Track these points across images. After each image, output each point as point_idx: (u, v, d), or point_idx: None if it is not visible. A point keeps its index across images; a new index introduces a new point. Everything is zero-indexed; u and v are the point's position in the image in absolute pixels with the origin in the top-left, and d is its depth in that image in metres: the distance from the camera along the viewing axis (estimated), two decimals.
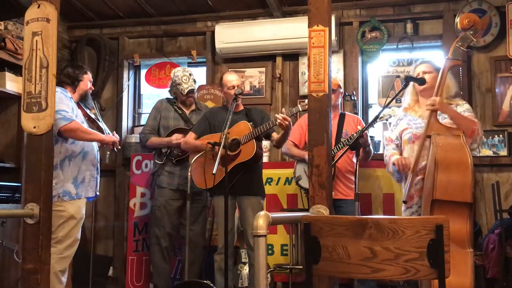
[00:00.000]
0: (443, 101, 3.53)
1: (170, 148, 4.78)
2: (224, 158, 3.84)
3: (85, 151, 4.07)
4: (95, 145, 4.19)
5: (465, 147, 3.25)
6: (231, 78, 4.47)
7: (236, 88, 4.34)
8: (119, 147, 4.41)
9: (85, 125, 4.13)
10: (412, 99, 3.84)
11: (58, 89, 3.35)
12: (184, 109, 4.94)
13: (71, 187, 3.95)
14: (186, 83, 4.82)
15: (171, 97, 5.03)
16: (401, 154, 3.76)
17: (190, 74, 4.87)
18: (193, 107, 4.98)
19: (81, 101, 4.27)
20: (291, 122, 4.05)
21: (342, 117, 4.70)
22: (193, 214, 4.69)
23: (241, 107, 4.48)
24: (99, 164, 4.22)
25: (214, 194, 4.32)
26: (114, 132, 4.63)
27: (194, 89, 4.89)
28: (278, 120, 3.98)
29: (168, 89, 5.07)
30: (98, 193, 4.21)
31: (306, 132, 4.54)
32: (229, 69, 5.89)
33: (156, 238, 4.80)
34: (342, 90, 4.77)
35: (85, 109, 4.29)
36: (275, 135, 4.32)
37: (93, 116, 4.34)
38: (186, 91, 4.81)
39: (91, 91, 4.39)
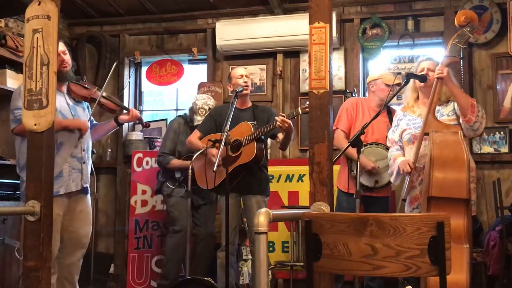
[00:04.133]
0: (449, 77, 3.53)
1: (183, 174, 4.75)
2: (225, 157, 3.82)
3: (59, 142, 3.62)
4: (74, 133, 3.73)
5: (462, 143, 3.24)
6: (239, 69, 4.44)
7: (244, 77, 4.34)
8: (147, 124, 4.09)
9: (65, 113, 3.72)
10: (411, 97, 3.83)
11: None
12: None
13: None
14: (202, 116, 4.77)
15: (188, 116, 4.95)
16: (404, 155, 3.74)
17: (208, 109, 4.79)
18: None
19: (63, 81, 3.78)
20: (291, 125, 3.99)
21: (389, 113, 4.47)
22: (202, 215, 4.74)
23: (249, 104, 4.44)
24: (85, 153, 3.78)
25: (219, 193, 4.31)
26: (132, 109, 4.11)
27: None
28: (277, 123, 3.95)
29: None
30: (85, 185, 3.77)
31: (356, 116, 4.48)
32: (230, 66, 5.90)
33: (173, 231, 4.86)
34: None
35: (83, 88, 3.86)
36: (280, 136, 4.23)
37: (103, 98, 3.88)
38: (195, 123, 4.79)
39: (68, 66, 3.78)
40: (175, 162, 4.80)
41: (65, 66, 3.78)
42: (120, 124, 4.08)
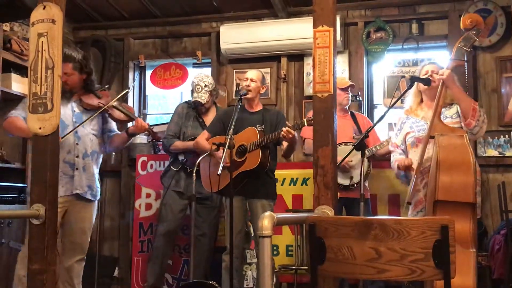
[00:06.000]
0: (451, 79, 3.54)
1: (186, 156, 4.72)
2: (231, 161, 3.82)
3: None
4: (69, 138, 3.78)
5: (468, 147, 3.24)
6: (249, 73, 4.42)
7: (248, 80, 4.33)
8: (157, 137, 4.05)
9: (65, 120, 3.76)
10: (414, 101, 3.82)
11: None
12: (204, 117, 4.83)
13: None
14: (198, 92, 4.72)
15: (191, 101, 4.87)
16: None
17: (205, 85, 4.72)
18: (212, 115, 4.80)
19: (67, 97, 3.86)
20: (295, 136, 4.01)
21: (353, 116, 4.70)
22: (202, 216, 4.73)
23: (259, 107, 4.42)
24: (78, 159, 3.83)
25: (224, 194, 4.31)
26: (139, 119, 4.07)
27: (201, 102, 4.72)
28: (282, 133, 3.97)
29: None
30: (75, 191, 3.80)
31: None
32: (235, 70, 5.91)
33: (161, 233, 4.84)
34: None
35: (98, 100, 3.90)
36: (284, 144, 4.24)
37: (113, 107, 3.89)
38: (192, 100, 4.76)
39: (67, 86, 3.83)
40: (178, 143, 4.75)
41: (65, 86, 3.78)
42: (130, 135, 4.06)
